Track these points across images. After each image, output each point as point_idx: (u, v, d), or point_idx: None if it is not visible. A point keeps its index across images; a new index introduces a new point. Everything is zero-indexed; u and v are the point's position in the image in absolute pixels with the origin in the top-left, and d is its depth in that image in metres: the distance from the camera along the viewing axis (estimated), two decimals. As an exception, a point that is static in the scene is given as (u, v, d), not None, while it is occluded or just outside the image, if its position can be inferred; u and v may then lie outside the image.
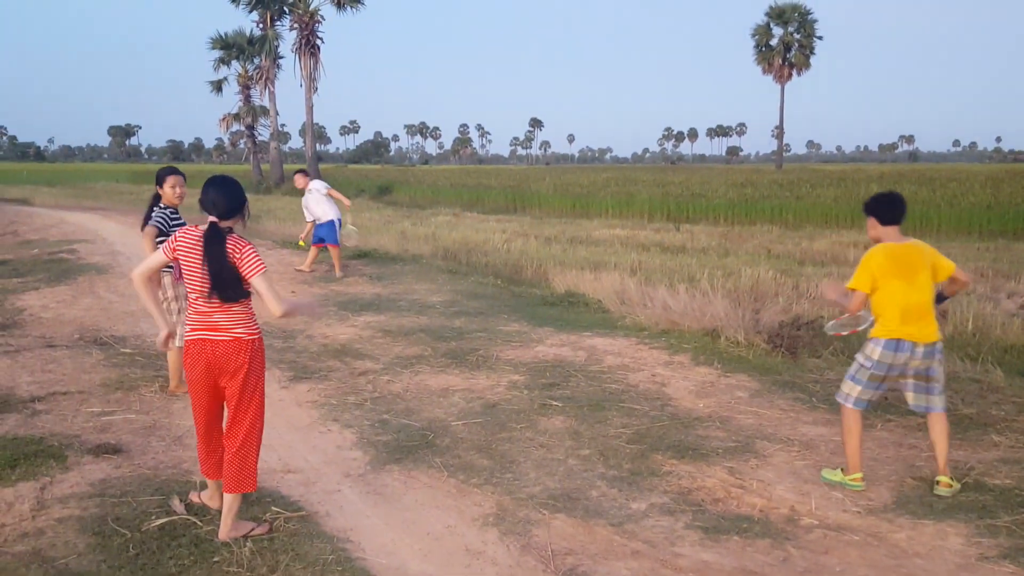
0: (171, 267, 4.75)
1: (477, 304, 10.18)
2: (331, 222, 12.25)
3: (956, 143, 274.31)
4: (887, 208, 4.70)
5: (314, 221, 12.41)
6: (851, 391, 4.67)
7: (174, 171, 6.28)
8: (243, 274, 3.88)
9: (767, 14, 61.78)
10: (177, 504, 4.30)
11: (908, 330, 4.49)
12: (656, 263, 13.94)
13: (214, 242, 3.87)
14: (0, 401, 6.03)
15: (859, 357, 4.66)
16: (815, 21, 61.32)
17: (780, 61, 61.54)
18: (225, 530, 3.99)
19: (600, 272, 11.89)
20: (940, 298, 4.77)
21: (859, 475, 4.62)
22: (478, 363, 7.31)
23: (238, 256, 3.87)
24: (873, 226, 4.73)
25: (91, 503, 4.34)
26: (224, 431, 4.10)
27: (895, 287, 4.52)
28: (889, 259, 4.56)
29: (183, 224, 6.13)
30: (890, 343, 4.53)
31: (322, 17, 41.82)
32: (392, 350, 7.84)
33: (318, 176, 44.20)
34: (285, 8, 42.69)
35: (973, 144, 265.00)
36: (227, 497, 3.99)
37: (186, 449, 5.22)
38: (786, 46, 61.37)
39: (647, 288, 10.18)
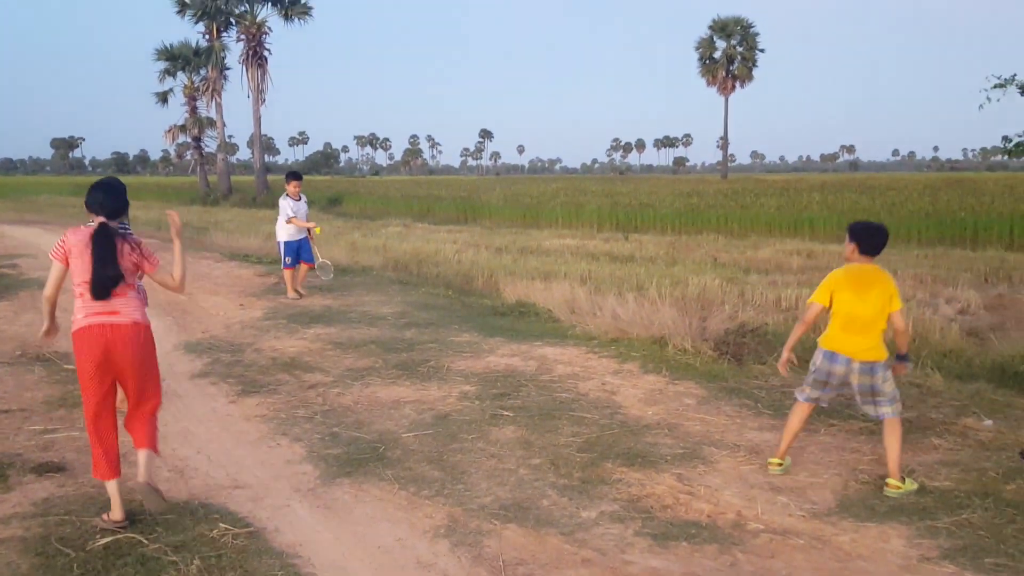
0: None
1: (428, 315, 10.17)
2: (307, 239, 11.74)
3: (895, 152, 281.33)
4: (872, 241, 4.91)
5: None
6: (803, 386, 4.99)
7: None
8: (144, 269, 4.41)
9: (710, 27, 62.87)
10: (106, 519, 4.24)
11: (847, 341, 4.70)
12: (606, 272, 14.06)
13: (103, 240, 4.24)
14: (-64, 421, 5.87)
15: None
16: (757, 35, 62.63)
17: (724, 73, 62.64)
18: (148, 475, 4.37)
19: (550, 282, 11.95)
20: (901, 357, 4.99)
21: (778, 461, 4.96)
22: (429, 374, 7.31)
23: (136, 254, 4.35)
24: (852, 251, 4.92)
25: (34, 523, 4.25)
26: (132, 405, 4.50)
27: (845, 297, 4.79)
28: (848, 275, 4.84)
29: (129, 232, 6.13)
30: (827, 353, 4.82)
31: (269, 29, 41.69)
32: (342, 362, 7.80)
33: (265, 187, 43.89)
34: (232, 20, 42.35)
35: (912, 154, 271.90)
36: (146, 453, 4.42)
37: (130, 466, 5.10)
38: (729, 59, 62.49)
39: (597, 297, 10.26)
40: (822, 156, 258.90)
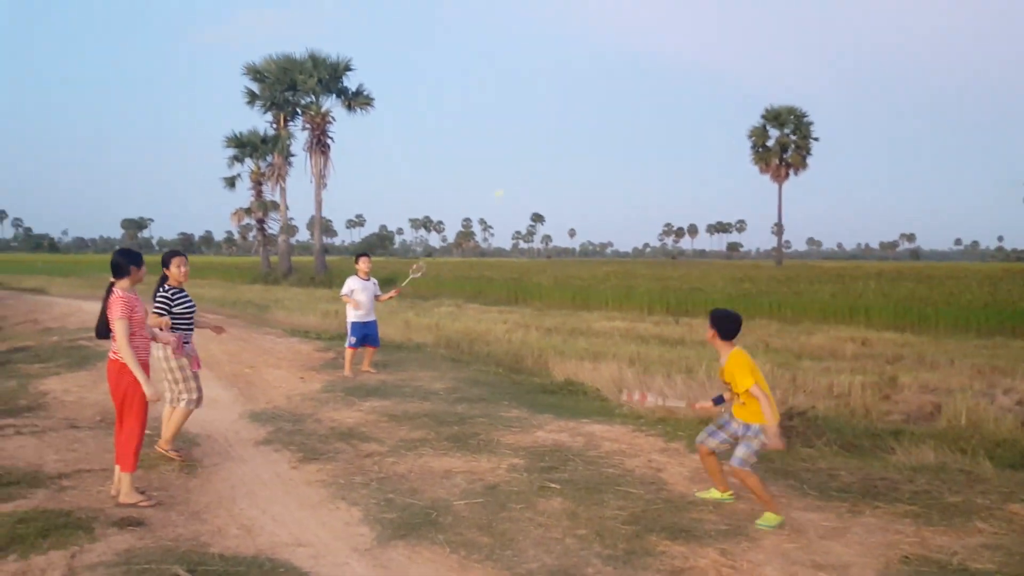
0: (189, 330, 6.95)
1: (479, 391, 10.46)
2: (375, 322, 11.91)
3: (958, 241, 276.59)
4: (730, 326, 5.92)
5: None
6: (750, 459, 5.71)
7: (177, 252, 7.07)
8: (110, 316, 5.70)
9: (763, 116, 63.63)
10: (182, 573, 4.54)
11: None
12: (655, 354, 14.24)
13: (105, 296, 5.80)
14: (29, 477, 6.31)
15: (757, 440, 5.67)
16: (811, 123, 63.14)
17: (777, 161, 63.09)
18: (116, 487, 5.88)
19: (599, 362, 12.18)
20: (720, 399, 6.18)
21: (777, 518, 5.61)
22: (479, 447, 7.56)
23: (109, 305, 5.73)
24: (713, 336, 5.94)
25: (117, 571, 4.57)
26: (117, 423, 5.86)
27: (760, 379, 5.72)
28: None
29: (188, 301, 6.84)
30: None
31: (333, 118, 43.53)
32: (397, 433, 8.10)
33: (323, 267, 45.02)
34: (298, 110, 44.32)
35: (975, 243, 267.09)
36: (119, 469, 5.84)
37: (203, 523, 5.46)
38: (782, 147, 62.98)
39: (645, 377, 10.46)
40: (881, 244, 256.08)
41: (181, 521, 5.50)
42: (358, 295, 11.63)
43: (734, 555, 5.04)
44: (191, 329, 7.16)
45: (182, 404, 6.95)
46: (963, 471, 6.75)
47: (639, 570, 4.81)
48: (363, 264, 11.77)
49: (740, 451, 5.68)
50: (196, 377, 7.09)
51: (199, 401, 7.09)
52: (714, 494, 6.18)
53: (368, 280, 11.79)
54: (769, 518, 5.56)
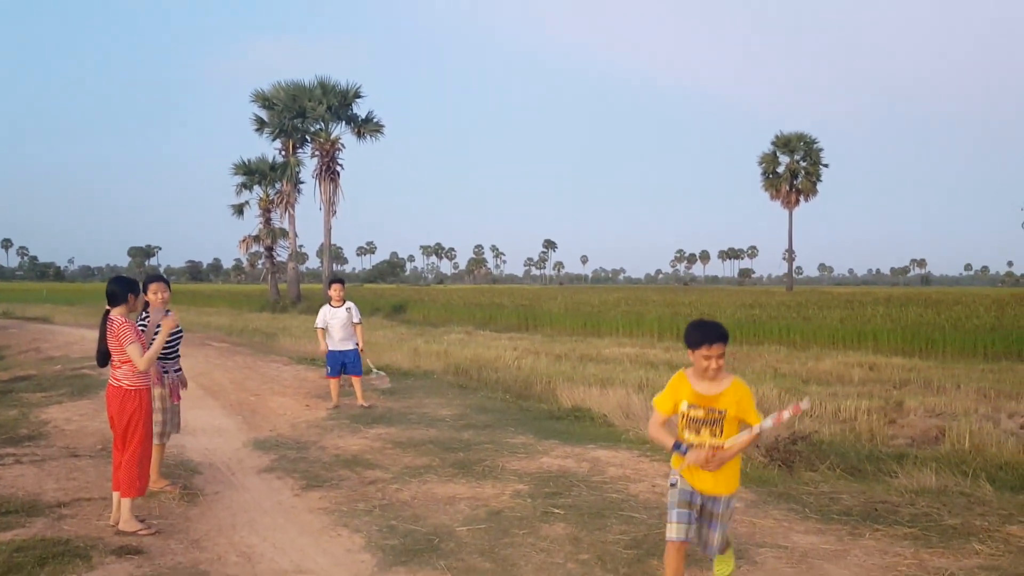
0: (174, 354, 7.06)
1: (485, 418, 10.47)
2: (354, 351, 11.50)
3: (968, 267, 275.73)
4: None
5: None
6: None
7: (158, 278, 7.08)
8: (118, 344, 5.83)
9: (773, 143, 63.86)
10: None
11: None
12: (663, 380, 14.14)
13: (102, 323, 5.96)
14: (28, 506, 6.34)
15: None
16: (821, 150, 63.27)
17: (787, 188, 63.19)
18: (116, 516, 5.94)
19: (607, 388, 12.18)
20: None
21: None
22: (484, 473, 7.57)
23: (113, 330, 5.84)
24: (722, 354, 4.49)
25: (114, 598, 4.59)
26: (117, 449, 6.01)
27: None
28: None
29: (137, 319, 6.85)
30: None
31: (342, 145, 43.70)
32: (401, 460, 8.12)
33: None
34: (307, 137, 44.57)
35: (985, 268, 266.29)
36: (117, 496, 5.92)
37: (203, 551, 5.48)
38: (793, 173, 63.11)
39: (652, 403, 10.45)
40: (892, 270, 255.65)
41: (180, 549, 5.52)
42: (332, 323, 11.30)
43: (735, 580, 5.02)
44: (176, 356, 7.23)
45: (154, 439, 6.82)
46: (963, 493, 6.73)
47: (639, 595, 4.80)
48: (335, 291, 11.42)
49: (720, 536, 4.54)
50: (172, 410, 7.17)
51: (166, 436, 7.17)
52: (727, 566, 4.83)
53: (341, 307, 11.37)
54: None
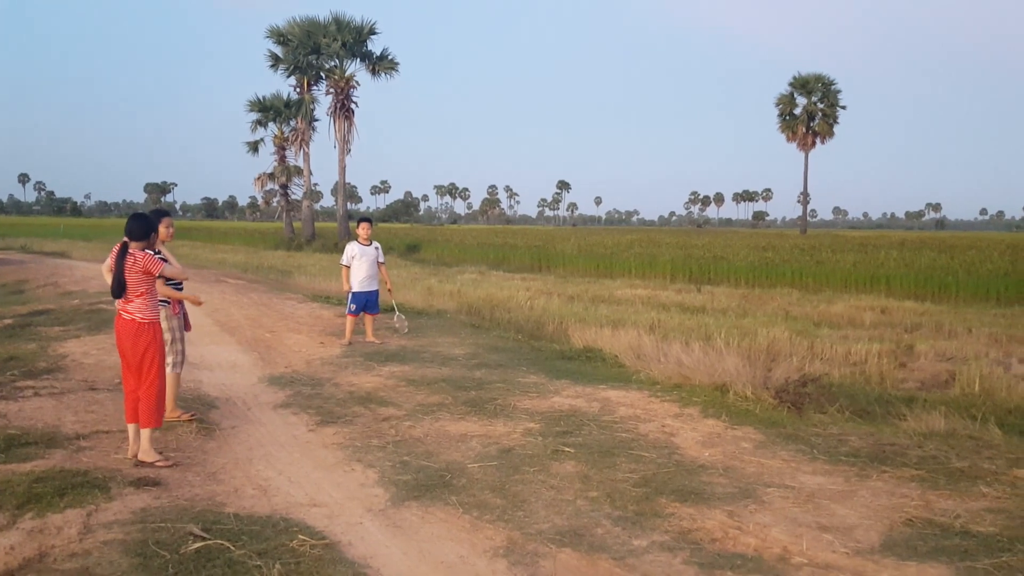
0: (167, 302, 6.94)
1: (498, 357, 10.56)
2: (376, 291, 11.70)
3: (983, 211, 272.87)
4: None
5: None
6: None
7: (166, 212, 7.32)
8: (151, 271, 6.00)
9: (791, 84, 62.75)
10: (197, 531, 4.68)
11: None
12: (675, 322, 14.27)
13: (120, 256, 5.95)
14: (47, 438, 6.47)
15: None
16: (839, 91, 62.15)
17: (804, 130, 62.28)
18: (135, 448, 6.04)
19: (619, 329, 12.23)
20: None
21: None
22: (496, 411, 7.67)
23: (139, 263, 5.92)
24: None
25: (133, 529, 4.71)
26: (132, 384, 6.08)
27: None
28: None
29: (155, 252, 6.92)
30: None
31: (357, 83, 43.27)
32: (415, 398, 8.22)
33: (347, 233, 45.25)
34: (322, 74, 44.17)
35: (1000, 213, 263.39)
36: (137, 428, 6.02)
37: (219, 484, 5.61)
38: (810, 115, 62.15)
39: (663, 344, 10.51)
40: (907, 214, 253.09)
41: (197, 481, 5.64)
42: (358, 262, 11.47)
43: (741, 517, 5.10)
44: (181, 289, 7.34)
45: (168, 368, 6.97)
46: (972, 437, 6.77)
47: (647, 530, 4.89)
48: (363, 230, 11.55)
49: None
50: (183, 340, 7.33)
51: (182, 364, 7.31)
52: None
53: (369, 245, 11.56)
54: None
